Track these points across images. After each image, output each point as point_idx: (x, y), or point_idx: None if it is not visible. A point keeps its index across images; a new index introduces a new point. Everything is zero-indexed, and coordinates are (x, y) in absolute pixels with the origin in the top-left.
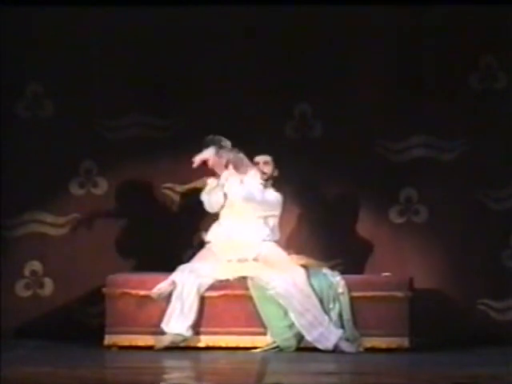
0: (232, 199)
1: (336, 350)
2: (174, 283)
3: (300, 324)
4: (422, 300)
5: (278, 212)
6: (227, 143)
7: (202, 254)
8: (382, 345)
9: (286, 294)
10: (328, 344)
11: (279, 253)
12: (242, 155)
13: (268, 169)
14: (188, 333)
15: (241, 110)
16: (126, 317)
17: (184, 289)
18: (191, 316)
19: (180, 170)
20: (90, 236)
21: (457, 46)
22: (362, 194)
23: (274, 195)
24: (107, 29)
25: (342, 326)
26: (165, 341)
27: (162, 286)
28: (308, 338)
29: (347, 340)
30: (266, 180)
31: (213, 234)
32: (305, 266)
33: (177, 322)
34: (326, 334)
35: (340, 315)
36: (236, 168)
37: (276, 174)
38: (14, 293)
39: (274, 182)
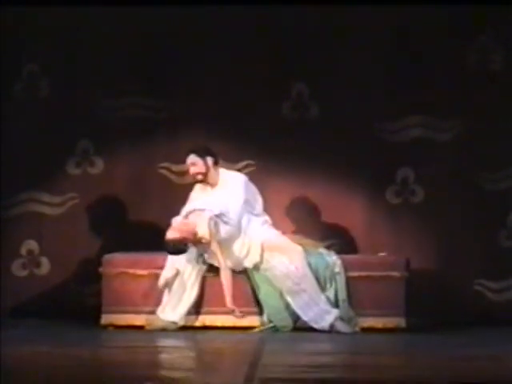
0: None
1: (332, 329)
2: (178, 271)
3: (296, 304)
4: (418, 280)
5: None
6: None
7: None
8: (378, 325)
9: (281, 275)
10: (324, 324)
11: (276, 235)
12: None
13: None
14: (182, 321)
15: (237, 90)
16: (122, 296)
17: (184, 277)
18: (188, 304)
19: (176, 150)
20: (86, 215)
21: (455, 26)
22: (359, 174)
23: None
24: (105, 10)
25: (338, 306)
26: (156, 325)
27: (168, 275)
28: (304, 318)
29: (343, 320)
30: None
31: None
32: (301, 246)
33: (173, 311)
34: (322, 313)
35: (336, 295)
36: None
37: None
38: (11, 272)
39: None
